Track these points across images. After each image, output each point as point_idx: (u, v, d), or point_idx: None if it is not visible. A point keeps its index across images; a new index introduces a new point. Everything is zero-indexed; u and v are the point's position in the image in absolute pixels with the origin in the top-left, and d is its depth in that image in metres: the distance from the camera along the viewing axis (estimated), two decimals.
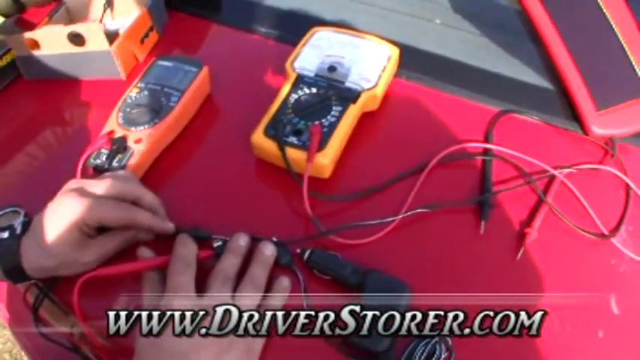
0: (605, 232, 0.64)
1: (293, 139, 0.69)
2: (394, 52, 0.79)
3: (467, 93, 0.79)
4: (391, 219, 0.65)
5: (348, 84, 0.74)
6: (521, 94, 0.79)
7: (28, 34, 0.89)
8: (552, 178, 0.69)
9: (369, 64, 0.76)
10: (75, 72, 0.91)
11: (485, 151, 0.72)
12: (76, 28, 0.85)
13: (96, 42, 0.85)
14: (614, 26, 0.78)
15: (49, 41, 0.88)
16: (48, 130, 0.87)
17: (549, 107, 0.77)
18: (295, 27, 0.88)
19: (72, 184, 0.64)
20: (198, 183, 0.74)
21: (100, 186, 0.63)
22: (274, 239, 0.64)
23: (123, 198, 0.64)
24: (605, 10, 0.79)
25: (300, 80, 0.75)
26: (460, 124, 0.76)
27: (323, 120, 0.70)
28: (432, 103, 0.79)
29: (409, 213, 0.66)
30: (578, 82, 0.75)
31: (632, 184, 0.68)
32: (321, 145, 0.68)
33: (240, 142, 0.75)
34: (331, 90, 0.73)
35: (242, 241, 0.62)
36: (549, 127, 0.75)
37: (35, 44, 0.89)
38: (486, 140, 0.73)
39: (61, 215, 0.60)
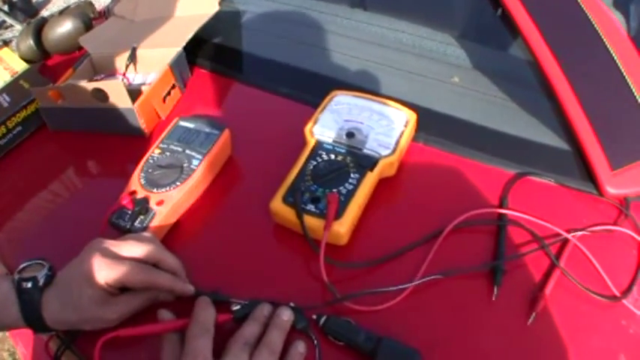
0: (617, 294, 0.66)
1: (311, 207, 0.72)
2: (412, 117, 0.82)
3: (484, 156, 0.81)
4: (405, 286, 0.67)
5: (366, 151, 0.77)
6: (537, 156, 0.81)
7: (52, 87, 0.94)
8: (566, 241, 0.70)
9: (386, 130, 0.80)
10: (97, 126, 0.95)
11: (500, 217, 0.74)
12: (100, 84, 0.89)
13: (119, 99, 0.89)
14: (630, 84, 0.80)
15: (73, 95, 0.92)
16: (70, 182, 0.92)
17: (565, 168, 0.79)
18: (315, 88, 0.93)
19: (96, 243, 0.67)
20: (217, 245, 0.77)
21: (123, 248, 0.67)
22: (291, 304, 0.66)
23: (145, 260, 0.67)
24: (621, 68, 0.82)
25: (319, 147, 0.79)
26: (476, 189, 0.78)
27: (341, 187, 0.73)
28: (448, 167, 0.82)
29: (423, 280, 0.68)
30: (592, 141, 0.78)
31: None
32: (339, 213, 0.71)
33: (259, 205, 0.78)
34: (349, 157, 0.77)
35: (266, 311, 0.65)
36: (564, 189, 0.77)
37: (59, 96, 0.93)
38: (501, 205, 0.75)
39: (85, 274, 0.64)
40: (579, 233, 0.71)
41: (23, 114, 0.99)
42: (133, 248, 0.67)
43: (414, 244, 0.73)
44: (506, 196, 0.76)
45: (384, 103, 0.84)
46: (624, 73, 0.81)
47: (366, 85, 0.94)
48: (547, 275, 0.68)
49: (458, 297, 0.68)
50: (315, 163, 0.77)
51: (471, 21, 1.15)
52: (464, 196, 0.77)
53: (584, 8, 0.90)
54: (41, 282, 0.65)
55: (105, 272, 0.64)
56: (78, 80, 0.96)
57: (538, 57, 0.88)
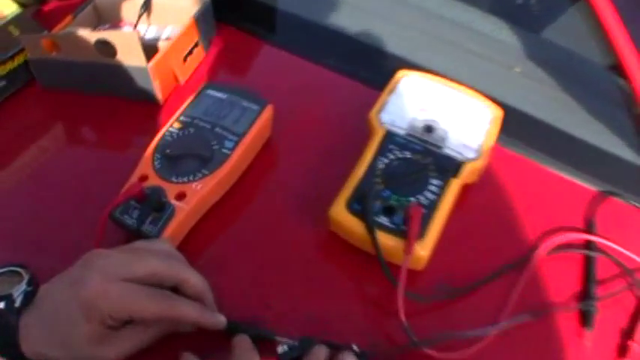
0: None
1: (384, 220, 0.52)
2: (497, 113, 0.62)
3: (564, 167, 0.65)
4: (491, 329, 0.50)
5: (447, 150, 0.58)
6: (621, 174, 0.67)
7: (46, 35, 0.72)
8: None
9: (470, 126, 0.60)
10: (98, 86, 0.73)
11: (588, 244, 0.57)
12: (107, 35, 0.67)
13: (130, 55, 0.67)
14: None
15: (72, 46, 0.70)
16: (61, 156, 0.69)
17: None
18: (369, 62, 0.75)
19: (94, 259, 0.47)
20: (251, 256, 0.56)
21: (132, 265, 0.46)
22: (355, 347, 0.47)
23: (161, 283, 0.47)
24: None
25: (390, 139, 0.58)
26: (560, 206, 0.61)
27: (419, 196, 0.54)
28: (528, 176, 0.64)
29: (510, 322, 0.51)
30: None
31: None
32: (420, 231, 0.51)
33: (307, 206, 0.59)
34: (428, 157, 0.57)
35: (322, 355, 0.46)
36: None
37: (55, 47, 0.71)
38: (589, 230, 0.58)
39: (81, 304, 0.44)
40: None
41: (9, 66, 0.75)
42: (145, 266, 0.47)
43: (497, 273, 0.55)
44: (594, 219, 0.59)
45: (464, 92, 0.64)
46: None
47: (425, 63, 0.73)
48: (636, 317, 0.53)
49: (546, 340, 0.52)
50: (386, 160, 0.56)
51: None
52: (547, 214, 0.60)
53: None
54: (18, 302, 0.45)
55: (108, 303, 0.44)
56: (78, 29, 0.73)
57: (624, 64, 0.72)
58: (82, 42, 0.68)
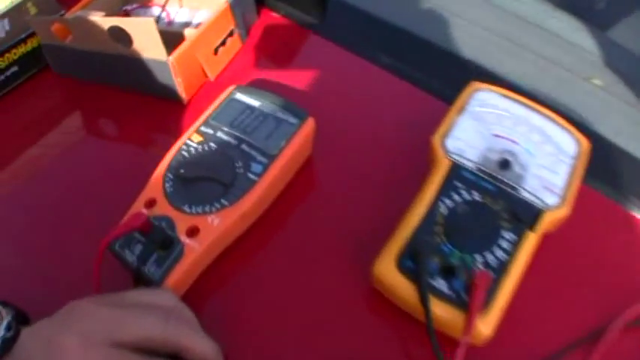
0: None
1: (441, 284, 0.41)
2: (584, 146, 0.49)
3: None
4: None
5: (524, 194, 0.45)
6: None
7: (57, 19, 0.64)
8: None
9: (553, 163, 0.47)
10: (117, 79, 0.64)
11: None
12: (121, 22, 0.57)
13: (147, 45, 0.57)
14: None
15: (84, 32, 0.60)
16: (65, 158, 0.60)
17: None
18: (433, 64, 0.63)
19: (76, 313, 0.38)
20: (274, 310, 0.46)
21: (120, 327, 0.38)
22: None
23: (156, 349, 0.38)
24: None
25: (456, 175, 0.46)
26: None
27: (488, 254, 0.42)
28: (608, 222, 0.51)
29: None
30: None
31: None
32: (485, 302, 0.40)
33: (347, 248, 0.48)
34: (501, 200, 0.44)
35: None
36: None
37: (67, 32, 0.62)
38: None
39: None
40: None
41: (21, 49, 0.66)
42: (138, 328, 0.38)
43: (562, 351, 0.42)
44: None
45: (547, 117, 0.50)
46: None
47: (499, 72, 0.63)
48: None
49: None
50: (450, 203, 0.45)
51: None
52: (630, 272, 0.48)
53: None
54: None
55: None
56: (96, 11, 0.65)
57: None
58: (94, 28, 0.58)
